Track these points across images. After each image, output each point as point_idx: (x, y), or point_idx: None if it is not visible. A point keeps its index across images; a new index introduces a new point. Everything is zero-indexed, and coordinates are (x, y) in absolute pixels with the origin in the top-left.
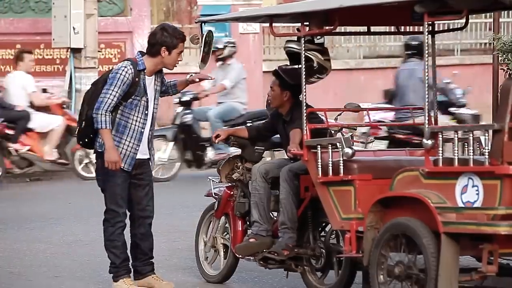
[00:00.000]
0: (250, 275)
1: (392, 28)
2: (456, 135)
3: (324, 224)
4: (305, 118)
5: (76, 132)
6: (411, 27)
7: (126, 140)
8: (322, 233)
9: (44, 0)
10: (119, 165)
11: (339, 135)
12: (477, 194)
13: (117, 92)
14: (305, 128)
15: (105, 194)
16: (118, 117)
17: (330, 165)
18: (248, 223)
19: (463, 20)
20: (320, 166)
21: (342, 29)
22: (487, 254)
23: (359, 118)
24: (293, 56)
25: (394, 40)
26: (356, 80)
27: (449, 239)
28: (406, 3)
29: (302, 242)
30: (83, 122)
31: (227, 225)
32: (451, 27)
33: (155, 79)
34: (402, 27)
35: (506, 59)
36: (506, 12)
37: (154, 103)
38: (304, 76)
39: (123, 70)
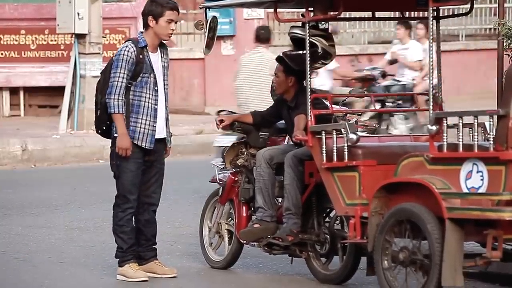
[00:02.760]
0: (254, 260)
1: (397, 14)
2: (460, 121)
3: (328, 210)
4: (309, 104)
5: (94, 121)
6: (415, 12)
7: (142, 119)
8: (327, 219)
9: None
10: (130, 151)
11: (343, 120)
12: (482, 179)
13: (123, 73)
14: (309, 114)
15: (117, 179)
16: (131, 98)
17: (335, 150)
18: (252, 209)
19: (468, 6)
20: (324, 151)
21: (346, 14)
22: (491, 240)
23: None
24: (298, 42)
25: None
26: (360, 66)
27: (453, 224)
28: None
29: (307, 227)
30: (99, 111)
31: (231, 211)
32: (455, 12)
33: (161, 56)
34: (407, 13)
35: (511, 45)
36: None
37: (164, 80)
38: (308, 62)
39: (124, 50)
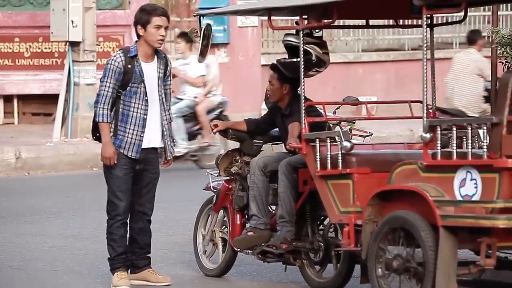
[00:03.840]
0: (248, 268)
1: (391, 22)
2: (454, 129)
3: (322, 217)
4: (303, 111)
5: (91, 127)
6: (409, 20)
7: (130, 128)
8: (321, 227)
9: None
10: (114, 161)
11: (337, 128)
12: (476, 187)
13: (110, 82)
14: (303, 122)
15: (107, 186)
16: (121, 107)
17: (329, 158)
18: (246, 216)
19: (462, 13)
20: (318, 159)
21: (340, 22)
22: (485, 248)
23: (357, 111)
24: (292, 50)
25: (393, 34)
26: (354, 74)
27: (447, 232)
28: None
29: (301, 235)
30: (94, 117)
31: (225, 218)
32: (449, 20)
33: (158, 66)
34: (401, 21)
35: (504, 52)
36: (504, 5)
37: (158, 90)
38: (302, 70)
39: (112, 60)
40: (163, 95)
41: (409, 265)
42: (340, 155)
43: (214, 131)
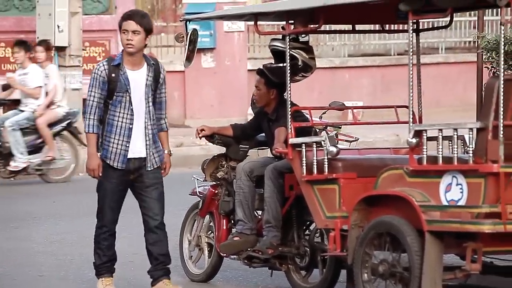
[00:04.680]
0: (234, 273)
1: (377, 27)
2: (440, 134)
3: (308, 222)
4: (289, 116)
5: None
6: (395, 25)
7: (114, 138)
8: (307, 232)
9: None
10: (97, 173)
11: (323, 133)
12: (461, 192)
13: (95, 92)
14: (289, 127)
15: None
16: (108, 117)
17: (315, 163)
18: (232, 221)
19: (448, 19)
20: (304, 164)
21: (327, 27)
22: (471, 252)
23: (343, 116)
24: (278, 55)
25: (379, 39)
26: (340, 79)
27: (433, 237)
28: (391, 1)
29: (287, 240)
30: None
31: (211, 223)
32: (435, 25)
33: (147, 73)
34: (387, 26)
35: (490, 57)
36: (490, 10)
37: (145, 98)
38: (288, 75)
39: (96, 69)
40: (151, 104)
41: (395, 270)
42: (326, 160)
43: (200, 136)
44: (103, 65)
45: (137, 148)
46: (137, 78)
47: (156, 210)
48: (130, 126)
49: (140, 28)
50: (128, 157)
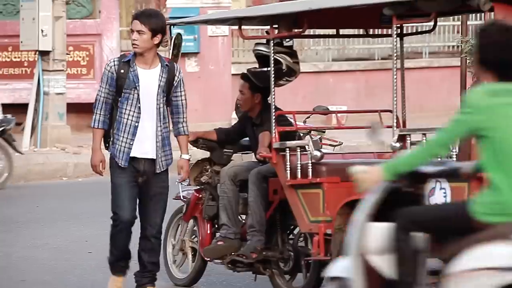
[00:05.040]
0: (218, 278)
1: (361, 31)
2: (424, 138)
3: (292, 227)
4: (273, 120)
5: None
6: (379, 30)
7: (121, 136)
8: (291, 236)
9: (12, 2)
10: (99, 169)
11: (307, 137)
12: (445, 196)
13: (104, 88)
14: (274, 131)
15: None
16: (117, 114)
17: (299, 167)
18: (216, 226)
19: (432, 23)
20: (288, 168)
21: (311, 31)
22: None
23: (327, 120)
24: (262, 59)
25: (363, 43)
26: (324, 83)
27: None
28: (375, 6)
29: (271, 245)
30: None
31: (195, 228)
32: (419, 30)
33: (160, 73)
34: (371, 30)
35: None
36: (474, 14)
37: (156, 99)
38: (273, 79)
39: (106, 65)
40: (163, 105)
41: None
42: (310, 164)
43: None
44: (114, 60)
45: (146, 149)
46: (149, 77)
47: (156, 220)
48: (136, 124)
49: (145, 28)
50: (137, 156)
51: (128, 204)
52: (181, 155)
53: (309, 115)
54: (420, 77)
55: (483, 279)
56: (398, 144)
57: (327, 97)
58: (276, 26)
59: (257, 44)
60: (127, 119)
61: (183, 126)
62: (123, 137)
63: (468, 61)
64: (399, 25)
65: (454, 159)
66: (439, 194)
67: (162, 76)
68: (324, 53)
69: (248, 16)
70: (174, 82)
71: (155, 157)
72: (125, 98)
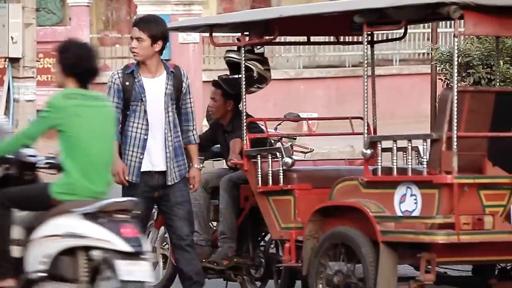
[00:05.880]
0: None
1: (332, 38)
2: (394, 145)
3: (263, 233)
4: (245, 127)
5: None
6: (350, 37)
7: (129, 150)
8: (262, 243)
9: None
10: (122, 177)
11: (279, 144)
12: (416, 203)
13: (111, 102)
14: (245, 138)
15: None
16: (124, 128)
17: (270, 174)
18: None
19: (402, 30)
20: (260, 175)
21: (282, 38)
22: (425, 263)
23: (298, 127)
24: (233, 66)
25: (334, 50)
26: (295, 90)
27: (387, 248)
28: (346, 13)
29: (242, 251)
30: None
31: (166, 235)
32: (390, 37)
33: (166, 81)
34: (342, 37)
35: (444, 69)
36: (444, 22)
37: (164, 108)
38: (244, 86)
39: (110, 77)
40: (171, 114)
41: (350, 281)
42: (281, 171)
43: None
44: (117, 73)
45: (157, 161)
46: (154, 87)
47: (185, 230)
48: (145, 137)
49: (144, 35)
50: (150, 170)
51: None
52: (192, 165)
53: (280, 122)
54: (391, 84)
55: (50, 243)
56: (369, 151)
57: (298, 104)
58: (247, 33)
59: (228, 51)
60: (136, 132)
61: (193, 135)
62: (132, 151)
63: (438, 68)
64: (369, 32)
65: (425, 166)
66: (410, 200)
67: (168, 84)
68: (295, 60)
69: (219, 23)
70: (183, 88)
71: (165, 169)
72: (133, 110)
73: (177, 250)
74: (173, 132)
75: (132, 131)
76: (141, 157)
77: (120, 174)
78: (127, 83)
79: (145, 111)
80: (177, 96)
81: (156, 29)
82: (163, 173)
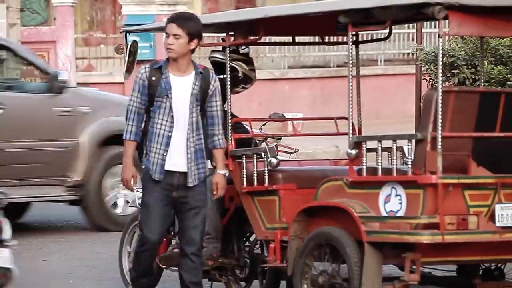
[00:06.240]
0: (174, 285)
1: (317, 38)
2: (379, 145)
3: (248, 234)
4: (230, 128)
5: None
6: (335, 37)
7: (153, 147)
8: (247, 243)
9: None
10: (130, 185)
11: (264, 145)
12: (400, 203)
13: (136, 97)
14: (230, 138)
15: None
16: (149, 125)
17: (255, 175)
18: (172, 233)
19: (387, 31)
20: (245, 176)
21: (267, 39)
22: (409, 263)
23: (283, 127)
24: (218, 66)
25: (319, 51)
26: (280, 90)
27: (372, 248)
28: (331, 13)
29: (227, 252)
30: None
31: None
32: (374, 37)
33: (193, 81)
34: (327, 37)
35: (428, 69)
36: (428, 22)
37: (189, 108)
38: (229, 86)
39: (138, 72)
40: (196, 115)
41: (335, 281)
42: (266, 171)
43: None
44: (145, 68)
45: (178, 161)
46: (181, 85)
47: (195, 237)
48: (169, 134)
49: (182, 32)
50: (171, 169)
51: (157, 225)
52: (216, 170)
53: (265, 122)
54: (376, 85)
55: None
56: (353, 151)
57: (283, 104)
58: (232, 33)
59: (213, 51)
60: (160, 128)
61: (218, 139)
62: (156, 147)
63: (423, 68)
64: (354, 32)
65: (410, 166)
66: (395, 200)
67: (195, 84)
68: (280, 60)
69: (204, 23)
70: (209, 90)
71: (186, 170)
72: (157, 106)
73: (183, 255)
74: (196, 134)
75: (156, 127)
76: (164, 154)
77: (128, 183)
78: (153, 78)
79: (170, 108)
80: (203, 97)
81: (194, 27)
82: (183, 174)
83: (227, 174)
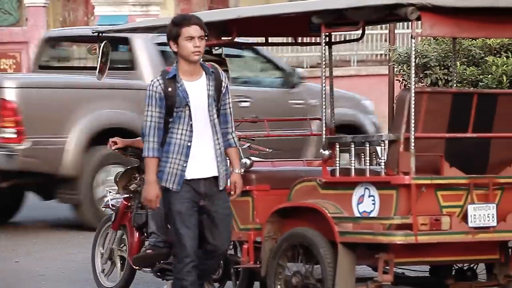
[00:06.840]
0: (147, 286)
1: (290, 39)
2: (353, 146)
3: None
4: None
5: None
6: (308, 38)
7: (172, 158)
8: None
9: None
10: (155, 204)
11: None
12: (373, 204)
13: (152, 111)
14: None
15: (170, 226)
16: (168, 136)
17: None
18: (145, 234)
19: (360, 32)
20: None
21: (240, 39)
22: (382, 264)
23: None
24: None
25: (292, 51)
26: None
27: (345, 249)
28: (304, 14)
29: None
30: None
31: (124, 236)
32: (347, 38)
33: (207, 82)
34: (300, 38)
35: (401, 70)
36: (401, 23)
37: (208, 110)
38: None
39: (150, 85)
40: (215, 116)
41: (308, 282)
42: None
43: (112, 148)
44: (157, 80)
45: (205, 167)
46: (197, 89)
47: (223, 246)
48: (189, 144)
49: (204, 33)
50: (196, 178)
51: (193, 234)
52: (232, 170)
53: (239, 123)
54: (349, 85)
55: None
56: (327, 152)
57: None
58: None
59: None
60: (180, 139)
61: (232, 137)
62: (174, 158)
63: (396, 69)
64: (327, 33)
65: (383, 167)
66: (368, 201)
67: (209, 85)
68: None
69: None
70: (222, 88)
71: (217, 174)
72: (178, 117)
73: (208, 253)
74: (219, 136)
75: (176, 138)
76: (184, 165)
77: (152, 203)
78: (169, 89)
79: (189, 117)
80: (218, 96)
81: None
82: (211, 179)
83: (242, 173)
